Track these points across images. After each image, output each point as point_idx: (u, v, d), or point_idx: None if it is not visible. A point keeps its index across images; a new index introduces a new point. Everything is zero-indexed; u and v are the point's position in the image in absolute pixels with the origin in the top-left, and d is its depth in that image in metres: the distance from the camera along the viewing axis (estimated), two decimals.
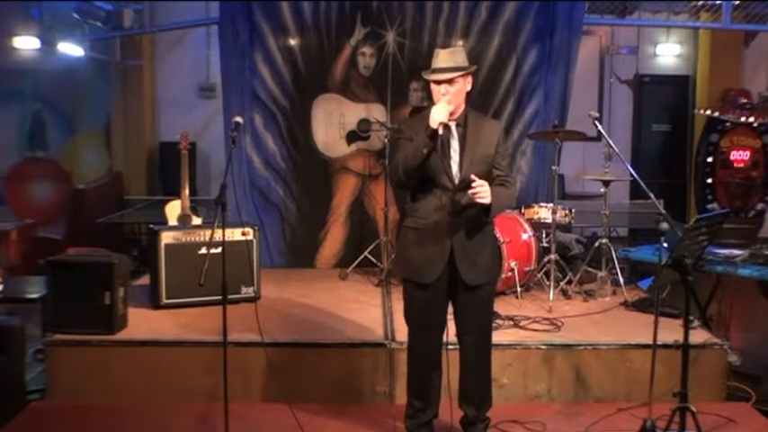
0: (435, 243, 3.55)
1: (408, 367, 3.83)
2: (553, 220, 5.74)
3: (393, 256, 6.09)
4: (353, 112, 6.84)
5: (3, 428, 4.13)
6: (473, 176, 3.44)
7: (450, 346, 3.78)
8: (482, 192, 3.40)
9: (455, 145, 3.57)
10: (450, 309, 3.72)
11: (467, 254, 3.57)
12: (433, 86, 3.57)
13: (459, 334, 3.74)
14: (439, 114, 3.43)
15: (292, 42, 6.76)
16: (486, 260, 3.65)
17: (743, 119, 8.65)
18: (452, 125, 3.56)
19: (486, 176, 3.56)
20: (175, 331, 4.80)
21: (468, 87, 3.61)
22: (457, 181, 3.54)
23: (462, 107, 3.61)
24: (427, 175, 3.52)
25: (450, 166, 3.54)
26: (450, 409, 3.84)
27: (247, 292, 5.35)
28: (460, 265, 3.56)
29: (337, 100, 6.83)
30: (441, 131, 3.42)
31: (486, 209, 3.48)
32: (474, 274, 3.59)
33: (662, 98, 10.03)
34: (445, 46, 3.68)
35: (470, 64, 3.62)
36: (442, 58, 3.55)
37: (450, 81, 3.51)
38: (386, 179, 6.54)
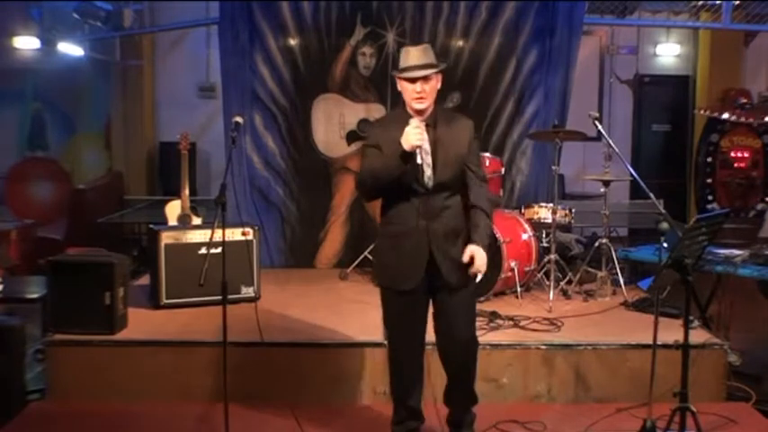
0: (413, 248, 3.47)
1: (391, 375, 3.76)
2: (553, 220, 5.74)
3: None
4: (353, 112, 6.84)
5: (3, 428, 4.13)
6: (466, 260, 3.41)
7: (429, 347, 3.75)
8: (478, 265, 3.41)
9: (426, 146, 3.44)
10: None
11: (448, 256, 3.49)
12: (405, 85, 3.44)
13: (442, 335, 3.63)
14: (414, 138, 3.31)
15: (292, 42, 6.76)
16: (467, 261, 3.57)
17: (743, 119, 8.65)
18: (422, 125, 3.42)
19: (459, 177, 3.53)
20: (175, 331, 4.79)
21: (439, 86, 3.51)
22: (430, 184, 3.45)
23: (432, 106, 3.51)
24: (399, 181, 3.41)
25: (423, 170, 3.44)
26: (435, 410, 3.82)
27: (247, 292, 5.35)
28: (443, 268, 3.47)
29: (337, 100, 6.82)
30: (419, 158, 3.36)
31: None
32: (458, 276, 3.50)
33: (662, 98, 10.04)
34: (413, 44, 3.57)
35: (439, 62, 3.53)
36: (415, 55, 3.44)
37: (425, 79, 3.42)
38: None
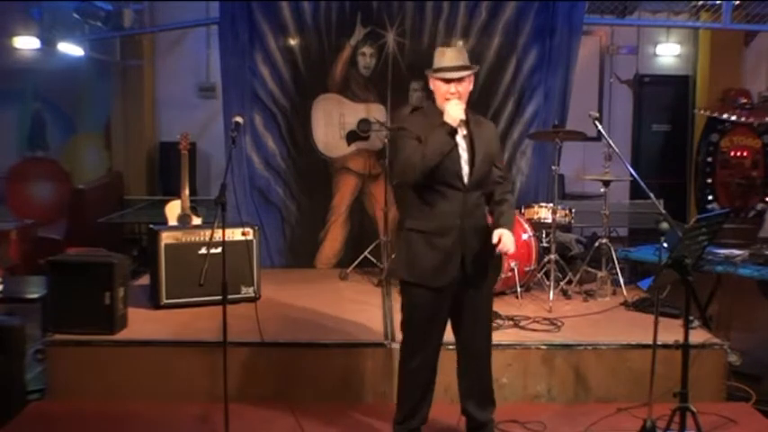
0: (448, 246, 3.50)
1: (404, 375, 3.72)
2: (553, 220, 5.74)
3: (393, 259, 6.08)
4: (353, 112, 6.84)
5: (3, 428, 4.13)
6: (495, 240, 3.50)
7: (448, 347, 3.76)
8: (507, 246, 3.50)
9: (462, 144, 3.52)
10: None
11: (476, 254, 3.54)
12: (439, 85, 3.52)
13: (463, 334, 3.67)
14: (457, 112, 3.41)
15: (292, 42, 6.76)
16: (490, 258, 3.63)
17: (743, 119, 8.65)
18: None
19: (489, 175, 3.60)
20: (175, 331, 4.79)
21: (471, 88, 3.59)
22: (467, 181, 3.50)
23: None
24: (437, 176, 3.46)
25: (460, 166, 3.50)
26: (445, 411, 3.82)
27: (247, 292, 5.35)
28: (471, 266, 3.53)
29: (337, 100, 6.82)
30: (462, 130, 3.42)
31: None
32: (483, 274, 3.59)
33: (662, 98, 10.03)
34: (447, 44, 3.65)
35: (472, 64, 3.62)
36: (451, 56, 3.51)
37: (459, 80, 3.49)
38: (386, 179, 6.53)
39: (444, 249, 3.50)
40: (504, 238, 3.51)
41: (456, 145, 3.48)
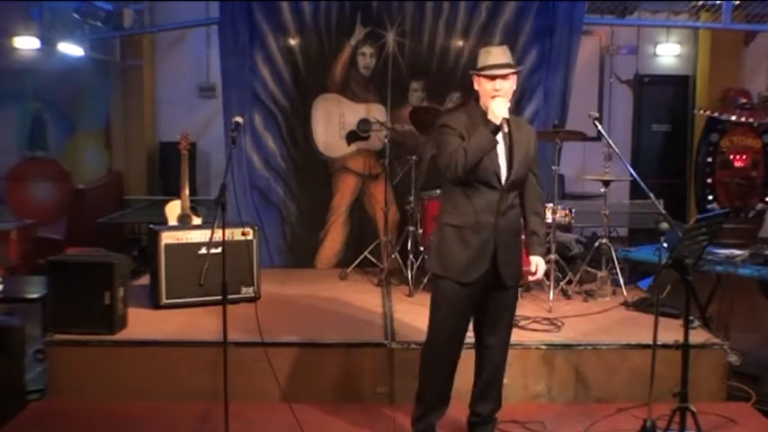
0: (480, 242, 3.52)
1: (428, 370, 3.74)
2: (553, 220, 5.73)
3: (393, 259, 6.09)
4: (353, 112, 6.84)
5: (3, 428, 4.13)
6: (529, 271, 3.70)
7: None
8: (540, 275, 3.74)
9: (501, 143, 3.53)
10: None
11: (506, 254, 3.57)
12: (483, 82, 3.53)
13: (485, 333, 3.71)
14: (502, 110, 3.41)
15: (292, 42, 6.76)
16: (519, 260, 3.70)
17: (743, 119, 8.64)
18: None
19: (526, 178, 3.64)
20: (175, 331, 4.79)
21: (514, 87, 3.60)
22: (504, 181, 3.52)
23: None
24: (476, 174, 3.47)
25: (498, 166, 3.52)
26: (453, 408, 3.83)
27: (247, 292, 5.35)
28: (501, 265, 3.56)
29: (337, 100, 6.82)
30: (505, 128, 3.44)
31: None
32: (512, 274, 3.63)
33: (662, 98, 10.04)
34: (490, 44, 3.67)
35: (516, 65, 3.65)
36: (497, 54, 3.53)
37: (504, 77, 3.50)
38: (386, 179, 6.54)
39: (476, 245, 3.53)
40: (540, 269, 3.70)
41: (496, 143, 3.49)
